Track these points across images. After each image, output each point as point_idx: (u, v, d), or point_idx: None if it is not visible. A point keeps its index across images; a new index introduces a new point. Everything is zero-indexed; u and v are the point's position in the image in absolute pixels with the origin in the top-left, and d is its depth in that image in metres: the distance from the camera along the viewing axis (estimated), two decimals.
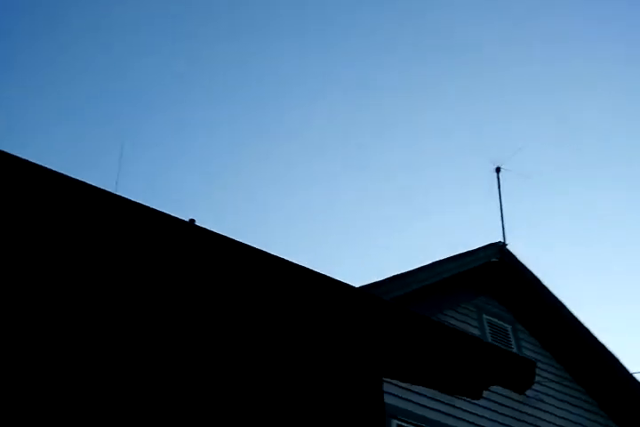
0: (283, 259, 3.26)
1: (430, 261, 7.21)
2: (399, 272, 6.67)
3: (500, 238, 8.39)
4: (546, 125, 14.25)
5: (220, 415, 3.36)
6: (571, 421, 8.08)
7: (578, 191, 14.57)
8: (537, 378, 8.06)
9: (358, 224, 17.03)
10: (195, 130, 14.79)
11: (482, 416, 7.01)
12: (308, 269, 3.37)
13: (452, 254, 7.57)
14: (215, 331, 3.48)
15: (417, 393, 6.40)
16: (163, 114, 14.93)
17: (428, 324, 4.22)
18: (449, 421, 6.56)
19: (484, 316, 7.99)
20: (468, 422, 6.79)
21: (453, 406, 6.76)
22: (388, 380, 5.95)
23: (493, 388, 7.54)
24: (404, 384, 6.26)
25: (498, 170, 8.80)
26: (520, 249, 8.54)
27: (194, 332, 3.40)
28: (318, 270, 3.31)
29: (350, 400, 4.19)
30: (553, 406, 8.00)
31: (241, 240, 3.08)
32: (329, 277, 3.45)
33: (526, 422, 7.49)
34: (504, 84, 14.23)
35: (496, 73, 14.12)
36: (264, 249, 3.15)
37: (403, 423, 6.07)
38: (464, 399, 6.95)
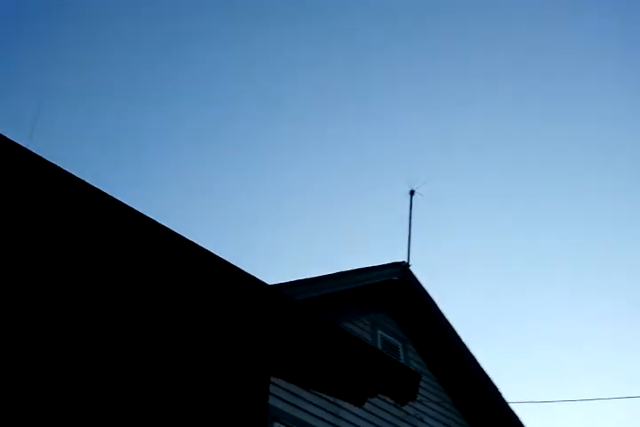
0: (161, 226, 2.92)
1: (334, 271, 7.32)
2: (302, 278, 6.73)
3: (404, 258, 8.62)
4: (459, 155, 14.91)
5: (95, 409, 3.18)
6: None
7: (484, 217, 15.27)
8: (419, 397, 8.31)
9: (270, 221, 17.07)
10: None
11: None
12: (197, 246, 3.08)
13: (356, 267, 7.71)
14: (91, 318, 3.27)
15: (304, 400, 6.45)
16: None
17: (323, 324, 4.24)
18: None
19: (379, 331, 8.15)
20: None
21: (338, 417, 6.84)
22: (277, 383, 5.98)
23: (377, 402, 7.71)
24: (292, 389, 6.30)
25: (412, 193, 9.05)
26: (422, 271, 8.80)
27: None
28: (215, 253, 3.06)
29: (236, 395, 4.15)
30: (431, 425, 8.22)
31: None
32: (218, 258, 3.17)
33: None
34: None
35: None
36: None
37: None
38: (349, 411, 7.06)
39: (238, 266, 3.27)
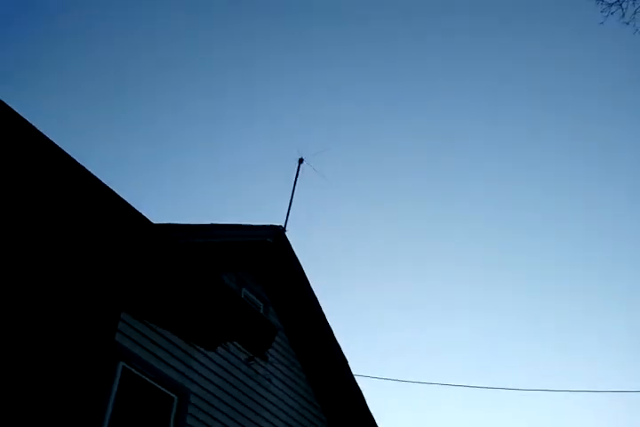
0: None
1: (208, 223, 7.27)
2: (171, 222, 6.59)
3: (282, 223, 8.70)
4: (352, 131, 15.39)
5: None
6: (288, 405, 8.51)
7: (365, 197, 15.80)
8: (271, 358, 8.44)
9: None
10: None
11: (210, 381, 7.14)
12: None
13: (232, 223, 7.70)
14: None
15: (155, 343, 6.37)
16: None
17: (184, 258, 4.17)
18: (174, 375, 6.59)
19: (244, 289, 8.19)
20: (194, 382, 6.88)
21: (187, 366, 6.82)
22: (128, 321, 5.86)
23: (230, 358, 7.74)
24: (143, 331, 6.20)
25: (300, 161, 9.12)
26: (298, 238, 8.91)
27: None
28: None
29: (79, 326, 3.99)
30: (277, 387, 8.38)
31: None
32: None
33: (251, 399, 7.76)
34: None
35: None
36: None
37: (130, 368, 5.98)
38: (200, 363, 7.06)
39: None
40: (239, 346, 7.79)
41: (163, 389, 6.40)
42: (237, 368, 7.71)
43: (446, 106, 15.91)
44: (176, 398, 6.54)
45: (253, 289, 8.49)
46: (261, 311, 8.56)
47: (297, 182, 9.11)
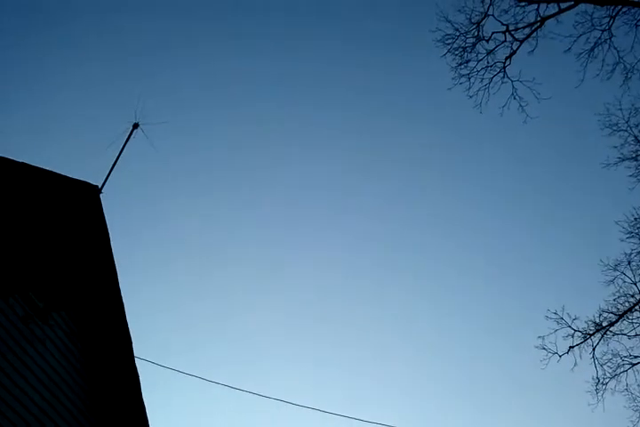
0: None
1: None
2: None
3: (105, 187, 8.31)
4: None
5: None
6: (59, 374, 8.02)
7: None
8: (52, 321, 7.89)
9: None
10: None
11: None
12: None
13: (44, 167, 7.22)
14: None
15: None
16: None
17: None
18: None
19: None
20: None
21: None
22: None
23: (9, 313, 7.13)
24: None
25: (135, 126, 8.77)
26: (112, 202, 8.55)
27: None
28: None
29: None
30: (48, 350, 7.86)
31: None
32: None
33: (18, 358, 7.20)
34: None
35: None
36: None
37: None
38: None
39: None
40: (21, 301, 7.26)
41: None
42: (15, 326, 7.15)
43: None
44: None
45: None
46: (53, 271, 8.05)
47: (125, 148, 8.74)
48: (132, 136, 8.69)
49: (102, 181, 8.36)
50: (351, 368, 19.08)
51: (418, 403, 20.01)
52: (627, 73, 12.77)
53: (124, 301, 8.69)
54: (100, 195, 8.33)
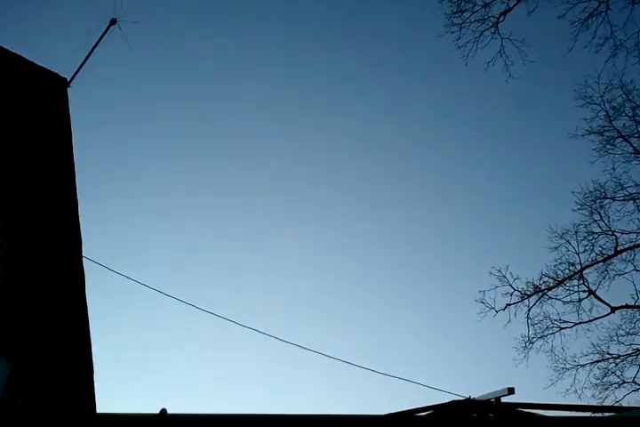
0: None
1: None
2: None
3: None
4: None
5: None
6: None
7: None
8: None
9: None
10: None
11: None
12: None
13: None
14: None
15: None
16: None
17: None
18: None
19: None
20: None
21: None
22: None
23: None
24: None
25: (113, 21, 8.50)
26: (80, 99, 8.34)
27: None
28: None
29: None
30: None
31: None
32: None
33: None
34: None
35: None
36: None
37: None
38: None
39: None
40: None
41: None
42: None
43: None
44: None
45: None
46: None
47: (101, 45, 8.49)
48: (108, 32, 8.44)
49: (71, 76, 8.17)
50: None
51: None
52: (615, 49, 12.83)
53: (77, 196, 8.60)
54: (68, 88, 8.14)
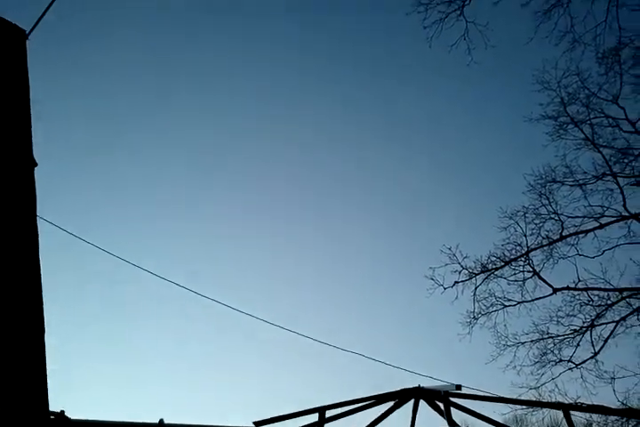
0: None
1: None
2: None
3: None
4: None
5: None
6: None
7: None
8: None
9: None
10: None
11: None
12: None
13: None
14: None
15: None
16: None
17: None
18: None
19: None
20: None
21: None
22: None
23: None
24: None
25: None
26: (39, 51, 8.24)
27: None
28: None
29: None
30: None
31: None
32: None
33: None
34: None
35: None
36: None
37: None
38: None
39: None
40: None
41: None
42: None
43: None
44: None
45: None
46: None
47: None
48: None
49: (30, 28, 8.06)
50: None
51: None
52: (573, 42, 13.09)
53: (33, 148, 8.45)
54: (27, 41, 8.04)
